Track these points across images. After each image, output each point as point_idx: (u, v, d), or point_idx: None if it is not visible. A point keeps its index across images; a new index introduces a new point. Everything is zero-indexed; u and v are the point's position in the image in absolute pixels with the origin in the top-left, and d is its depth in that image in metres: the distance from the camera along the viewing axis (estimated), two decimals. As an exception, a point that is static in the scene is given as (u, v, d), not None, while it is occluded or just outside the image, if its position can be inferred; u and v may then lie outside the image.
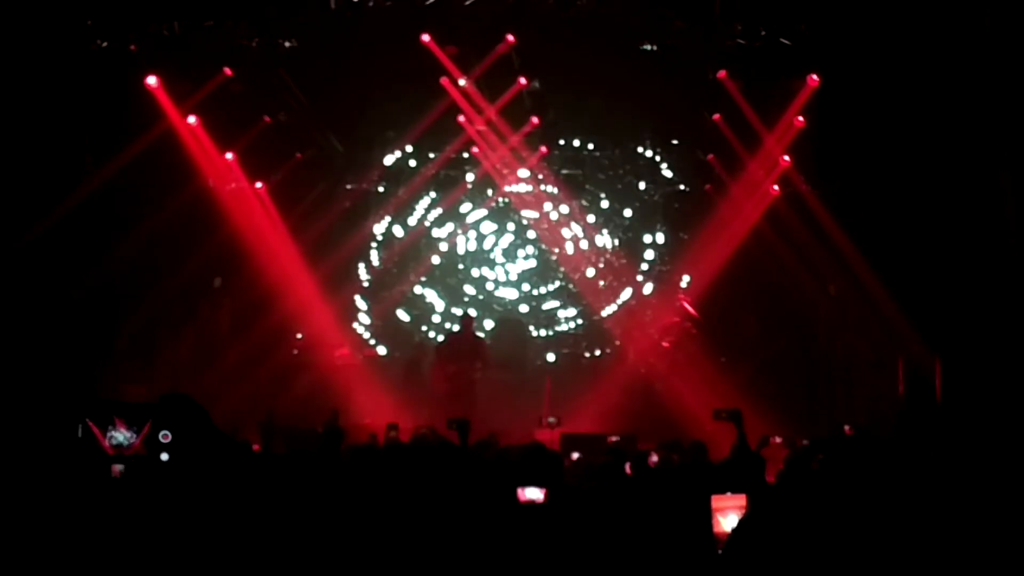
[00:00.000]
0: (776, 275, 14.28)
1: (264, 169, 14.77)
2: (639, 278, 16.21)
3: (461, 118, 14.75)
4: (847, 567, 2.87)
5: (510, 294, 16.62)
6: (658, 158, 16.19)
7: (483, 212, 16.64)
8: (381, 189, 16.47)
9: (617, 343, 15.92)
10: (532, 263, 16.70)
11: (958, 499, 3.06)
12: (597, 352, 16.11)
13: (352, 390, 14.02)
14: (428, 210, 16.55)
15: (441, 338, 15.43)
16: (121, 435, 5.18)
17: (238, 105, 13.63)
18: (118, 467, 5.16)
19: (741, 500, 4.56)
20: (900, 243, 12.00)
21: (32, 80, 10.91)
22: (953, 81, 10.71)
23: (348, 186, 16.31)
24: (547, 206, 16.47)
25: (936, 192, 11.26)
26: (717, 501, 4.55)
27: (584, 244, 16.43)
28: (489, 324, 16.16)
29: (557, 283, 16.67)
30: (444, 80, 13.66)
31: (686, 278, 15.47)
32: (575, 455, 8.93)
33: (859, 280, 12.99)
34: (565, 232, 16.49)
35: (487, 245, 16.72)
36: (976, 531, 2.94)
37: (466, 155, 15.90)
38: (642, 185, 16.40)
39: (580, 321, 16.55)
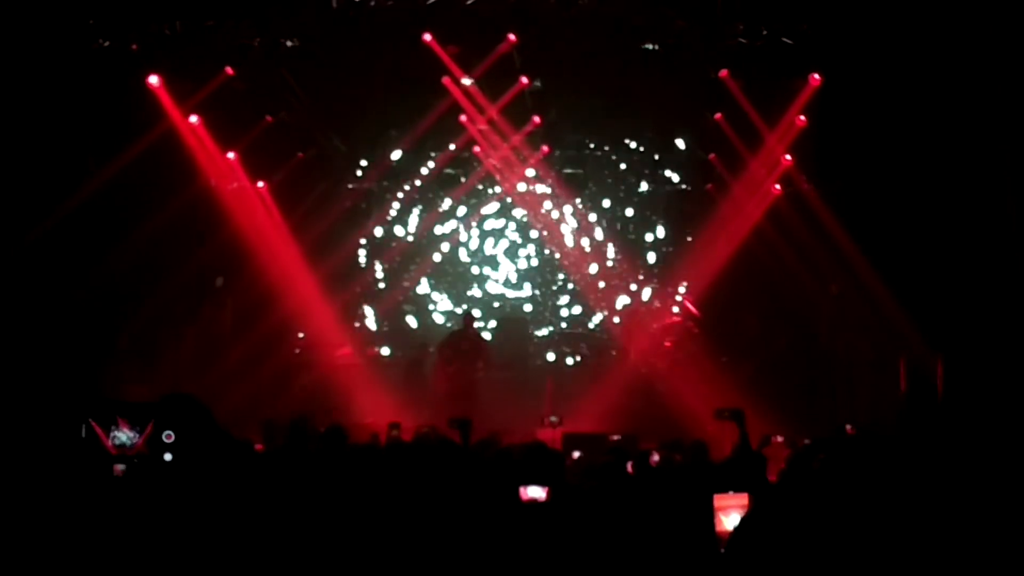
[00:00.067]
0: (777, 274, 14.25)
1: (266, 169, 14.76)
2: (640, 277, 16.23)
3: (463, 117, 14.75)
4: (849, 566, 2.87)
5: (511, 293, 16.63)
6: (659, 157, 16.20)
7: (484, 211, 16.65)
8: (383, 189, 16.48)
9: (619, 342, 15.92)
10: (534, 262, 16.72)
11: (960, 498, 3.06)
12: (598, 351, 16.12)
13: (354, 389, 14.02)
14: (429, 210, 16.56)
15: (443, 337, 15.45)
16: (124, 435, 5.17)
17: (240, 105, 13.61)
18: (120, 467, 5.16)
19: (743, 499, 4.56)
20: (902, 242, 12.01)
21: (34, 80, 10.90)
22: (955, 80, 10.72)
23: (350, 185, 16.34)
24: (548, 205, 16.48)
25: (938, 191, 11.28)
26: (719, 500, 4.55)
27: (586, 243, 16.44)
28: (491, 323, 16.18)
29: (558, 282, 16.69)
30: (446, 79, 13.65)
31: (687, 278, 15.47)
32: (577, 454, 8.96)
33: (861, 279, 12.98)
34: (567, 231, 16.50)
35: (488, 244, 16.73)
36: (978, 530, 2.94)
37: (467, 154, 15.91)
38: (643, 184, 16.42)
39: (581, 320, 16.56)
